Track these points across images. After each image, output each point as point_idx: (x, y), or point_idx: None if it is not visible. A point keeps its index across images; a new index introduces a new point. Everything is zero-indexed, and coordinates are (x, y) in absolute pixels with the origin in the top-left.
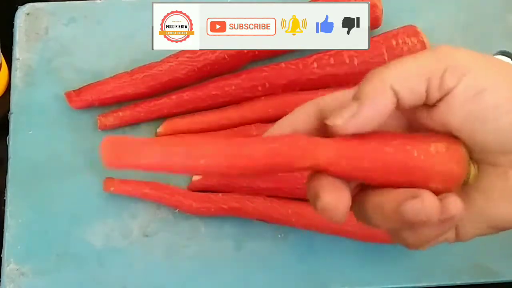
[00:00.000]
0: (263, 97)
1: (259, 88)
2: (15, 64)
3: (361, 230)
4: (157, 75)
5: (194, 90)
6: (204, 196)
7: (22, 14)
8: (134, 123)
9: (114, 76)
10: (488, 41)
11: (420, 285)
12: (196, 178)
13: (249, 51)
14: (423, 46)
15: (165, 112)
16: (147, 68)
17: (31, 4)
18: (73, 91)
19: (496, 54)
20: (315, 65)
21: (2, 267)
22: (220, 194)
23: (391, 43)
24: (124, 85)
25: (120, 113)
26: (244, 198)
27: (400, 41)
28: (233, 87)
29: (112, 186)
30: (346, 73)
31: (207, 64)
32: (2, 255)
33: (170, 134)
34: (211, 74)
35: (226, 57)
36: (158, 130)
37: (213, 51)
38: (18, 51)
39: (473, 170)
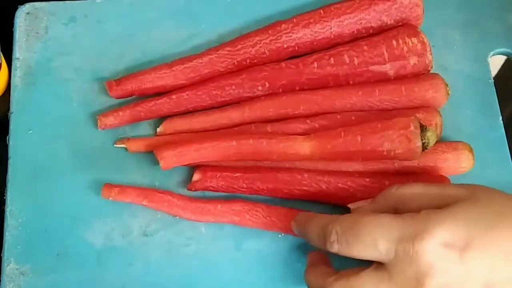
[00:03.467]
0: (263, 97)
1: (259, 88)
2: (15, 63)
3: None
4: (197, 67)
5: (194, 89)
6: (203, 208)
7: (22, 14)
8: (134, 123)
9: (153, 67)
10: (488, 41)
11: None
12: (196, 178)
13: (288, 45)
14: (424, 46)
15: (165, 111)
16: (187, 60)
17: (31, 3)
18: (114, 80)
19: (496, 54)
20: (315, 65)
21: (2, 266)
22: (219, 206)
23: (392, 43)
24: (164, 76)
25: (120, 113)
26: (243, 210)
27: (400, 41)
28: (233, 87)
29: (110, 196)
30: (346, 73)
31: (246, 58)
32: (2, 255)
33: (170, 134)
34: (249, 68)
35: (266, 51)
36: (158, 129)
37: (253, 45)
38: (18, 51)
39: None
